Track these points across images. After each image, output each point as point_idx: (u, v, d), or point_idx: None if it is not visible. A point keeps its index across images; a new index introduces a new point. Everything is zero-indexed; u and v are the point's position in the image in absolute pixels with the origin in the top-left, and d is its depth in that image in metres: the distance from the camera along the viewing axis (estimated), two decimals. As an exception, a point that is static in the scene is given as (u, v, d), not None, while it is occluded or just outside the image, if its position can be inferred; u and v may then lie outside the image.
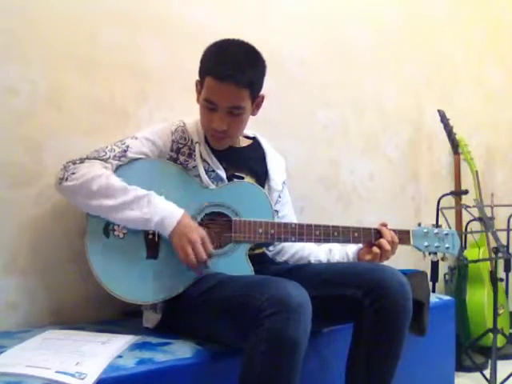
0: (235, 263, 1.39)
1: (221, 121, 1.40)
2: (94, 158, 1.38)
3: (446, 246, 1.52)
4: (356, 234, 1.47)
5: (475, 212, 2.29)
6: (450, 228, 1.63)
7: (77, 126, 1.58)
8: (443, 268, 2.54)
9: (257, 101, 1.47)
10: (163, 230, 1.33)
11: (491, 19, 3.05)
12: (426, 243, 1.51)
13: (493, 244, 2.20)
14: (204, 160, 1.47)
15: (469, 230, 2.47)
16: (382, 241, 1.46)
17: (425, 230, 1.52)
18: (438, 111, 2.57)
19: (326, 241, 1.45)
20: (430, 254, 1.53)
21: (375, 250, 1.46)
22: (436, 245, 1.51)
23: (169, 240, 1.34)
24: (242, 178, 1.51)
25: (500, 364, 2.12)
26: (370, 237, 1.48)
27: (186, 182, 1.43)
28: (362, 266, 1.40)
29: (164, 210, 1.33)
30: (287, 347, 1.10)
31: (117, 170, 1.40)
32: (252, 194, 1.45)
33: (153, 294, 1.36)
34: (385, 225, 1.50)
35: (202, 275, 1.35)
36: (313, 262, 1.60)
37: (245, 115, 1.44)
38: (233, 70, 1.36)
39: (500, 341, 2.30)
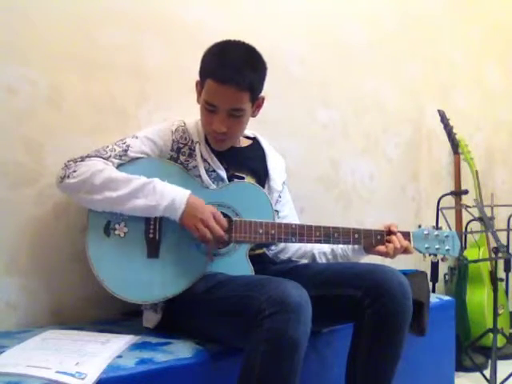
0: (235, 263, 1.39)
1: (221, 123, 1.40)
2: (95, 157, 1.38)
3: (447, 247, 1.52)
4: (356, 236, 1.47)
5: (475, 212, 2.29)
6: (450, 228, 1.63)
7: (77, 126, 1.58)
8: (443, 268, 2.54)
9: (257, 102, 1.47)
10: (173, 215, 1.33)
11: (489, 19, 3.05)
12: (426, 245, 1.51)
13: (493, 244, 2.21)
14: (205, 160, 1.47)
15: (469, 230, 2.47)
16: (394, 238, 1.47)
17: (425, 232, 1.52)
18: (438, 111, 2.57)
19: (327, 242, 1.45)
20: (430, 255, 1.53)
21: (390, 245, 1.46)
22: (436, 247, 1.51)
23: (180, 223, 1.34)
24: (243, 178, 1.52)
25: (500, 364, 2.12)
26: (371, 238, 1.48)
27: (186, 181, 1.43)
28: (362, 267, 1.41)
29: (170, 194, 1.33)
30: (287, 347, 1.10)
31: (117, 168, 1.40)
32: (253, 194, 1.45)
33: (153, 294, 1.36)
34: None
35: (219, 249, 1.37)
36: (317, 253, 1.60)
37: (245, 117, 1.44)
38: (233, 72, 1.35)
39: (500, 341, 2.30)
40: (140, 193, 1.33)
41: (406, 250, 1.48)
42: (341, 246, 1.57)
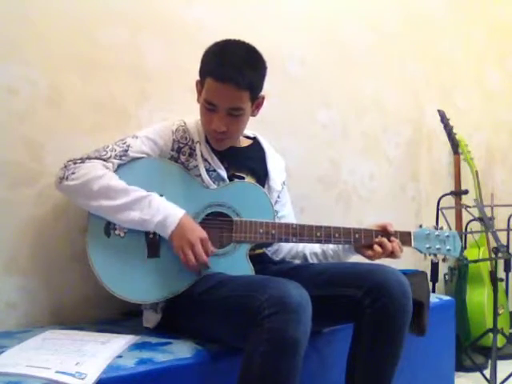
0: (236, 263, 1.39)
1: (220, 122, 1.40)
2: (95, 158, 1.38)
3: (447, 247, 1.51)
4: (357, 235, 1.46)
5: (475, 212, 2.29)
6: (450, 228, 1.63)
7: (77, 126, 1.58)
8: (443, 268, 2.54)
9: (257, 102, 1.47)
10: (163, 232, 1.33)
11: (490, 19, 3.05)
12: (427, 245, 1.51)
13: (493, 244, 2.21)
14: (205, 159, 1.47)
15: (469, 230, 2.47)
16: (386, 243, 1.46)
17: (426, 232, 1.51)
18: (438, 111, 2.57)
19: (327, 241, 1.45)
20: (430, 255, 1.52)
21: (377, 248, 1.45)
22: (437, 247, 1.51)
23: (169, 241, 1.34)
24: (243, 178, 1.51)
25: (500, 364, 2.12)
26: (371, 238, 1.47)
27: (186, 181, 1.43)
28: (362, 267, 1.40)
29: (165, 211, 1.33)
30: (287, 347, 1.10)
31: (118, 169, 1.40)
32: (253, 194, 1.45)
33: (153, 294, 1.36)
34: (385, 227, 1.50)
35: (201, 276, 1.36)
36: (308, 254, 1.61)
37: (244, 116, 1.44)
38: (233, 71, 1.35)
39: (500, 341, 2.30)
40: (136, 205, 1.33)
41: (392, 254, 1.46)
42: (331, 246, 1.57)
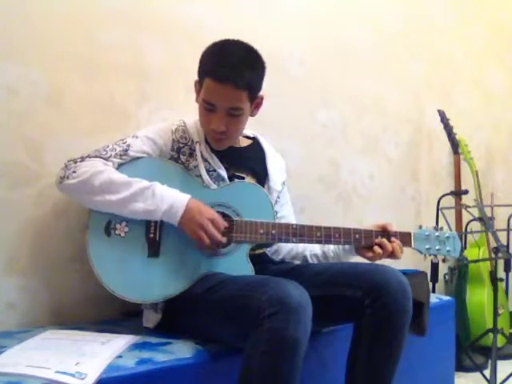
0: (236, 263, 1.38)
1: (219, 121, 1.40)
2: (96, 157, 1.38)
3: (447, 248, 1.52)
4: (357, 236, 1.46)
5: (475, 212, 2.29)
6: (450, 228, 1.63)
7: (77, 126, 1.58)
8: (443, 268, 2.54)
9: (256, 102, 1.47)
10: (171, 219, 1.33)
11: (490, 19, 3.05)
12: (427, 246, 1.51)
13: (493, 244, 2.21)
14: (205, 160, 1.47)
15: (469, 230, 2.47)
16: (384, 241, 1.46)
17: (426, 233, 1.51)
18: (438, 111, 2.57)
19: (327, 242, 1.45)
20: (430, 255, 1.52)
21: (377, 249, 1.46)
22: (437, 247, 1.51)
23: (179, 229, 1.34)
24: (243, 178, 1.51)
25: (500, 364, 2.12)
26: (372, 238, 1.47)
27: (187, 181, 1.43)
28: (363, 267, 1.40)
29: (169, 199, 1.33)
30: (287, 347, 1.10)
31: (118, 168, 1.40)
32: (253, 194, 1.45)
33: (153, 294, 1.35)
34: (385, 227, 1.50)
35: (217, 254, 1.37)
36: (308, 255, 1.61)
37: (243, 116, 1.44)
38: (232, 71, 1.35)
39: (500, 341, 2.30)
40: (139, 197, 1.33)
41: (392, 255, 1.47)
42: (332, 248, 1.57)
